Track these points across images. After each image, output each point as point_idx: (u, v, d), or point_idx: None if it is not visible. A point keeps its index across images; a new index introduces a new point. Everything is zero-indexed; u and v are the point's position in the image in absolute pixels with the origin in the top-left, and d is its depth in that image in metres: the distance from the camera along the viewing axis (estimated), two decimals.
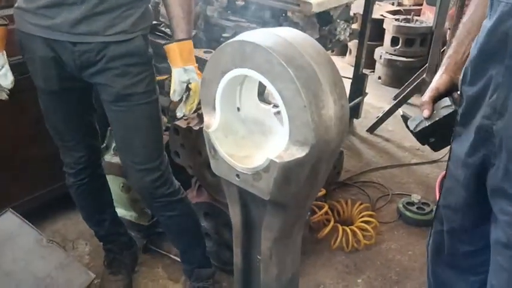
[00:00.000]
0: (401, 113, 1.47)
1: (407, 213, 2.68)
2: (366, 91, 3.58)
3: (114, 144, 2.32)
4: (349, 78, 3.54)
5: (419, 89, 3.45)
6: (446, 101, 1.33)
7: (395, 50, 4.36)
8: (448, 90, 1.34)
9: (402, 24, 4.32)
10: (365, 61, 3.53)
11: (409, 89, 3.61)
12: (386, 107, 3.72)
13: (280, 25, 2.81)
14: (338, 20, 2.96)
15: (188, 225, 1.94)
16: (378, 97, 4.19)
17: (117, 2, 1.49)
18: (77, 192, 1.92)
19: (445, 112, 1.31)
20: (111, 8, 1.49)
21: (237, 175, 1.02)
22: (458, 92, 1.25)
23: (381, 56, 4.43)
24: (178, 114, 1.68)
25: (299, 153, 0.91)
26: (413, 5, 5.12)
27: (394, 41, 4.35)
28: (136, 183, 1.77)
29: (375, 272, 2.33)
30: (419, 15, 4.73)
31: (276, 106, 1.20)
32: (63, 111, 1.71)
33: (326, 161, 0.97)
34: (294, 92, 0.89)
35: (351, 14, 3.11)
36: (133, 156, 1.71)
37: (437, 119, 1.32)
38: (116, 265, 2.13)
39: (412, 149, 3.44)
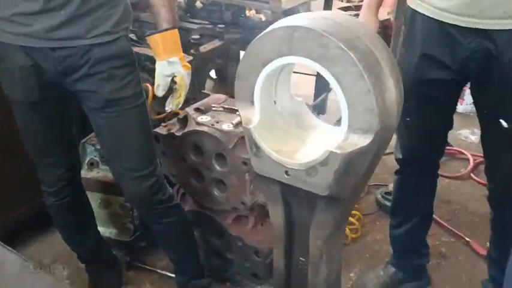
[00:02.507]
0: None
1: (387, 202, 2.69)
2: None
3: (87, 159, 2.17)
4: None
5: None
6: None
7: None
8: None
9: None
10: None
11: None
12: None
13: (244, 24, 2.77)
14: None
15: (185, 232, 1.89)
16: None
17: (98, 2, 1.42)
18: (57, 212, 1.81)
19: None
20: (92, 9, 1.42)
21: (286, 172, 0.95)
22: None
23: None
24: (167, 108, 1.68)
25: (361, 141, 0.86)
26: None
27: None
28: (133, 192, 1.69)
29: (365, 264, 2.32)
30: None
31: None
32: (44, 123, 1.61)
33: (384, 148, 0.92)
34: (355, 76, 0.83)
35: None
36: (127, 163, 1.63)
37: None
38: (102, 287, 2.04)
39: None
